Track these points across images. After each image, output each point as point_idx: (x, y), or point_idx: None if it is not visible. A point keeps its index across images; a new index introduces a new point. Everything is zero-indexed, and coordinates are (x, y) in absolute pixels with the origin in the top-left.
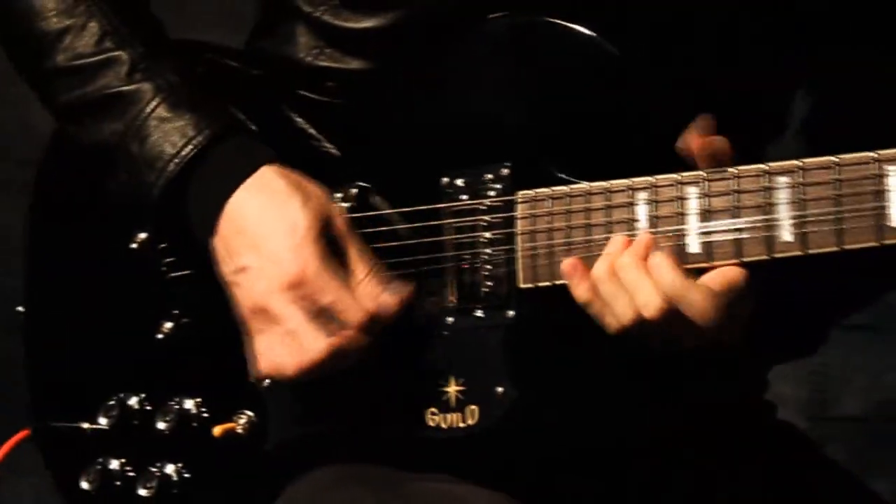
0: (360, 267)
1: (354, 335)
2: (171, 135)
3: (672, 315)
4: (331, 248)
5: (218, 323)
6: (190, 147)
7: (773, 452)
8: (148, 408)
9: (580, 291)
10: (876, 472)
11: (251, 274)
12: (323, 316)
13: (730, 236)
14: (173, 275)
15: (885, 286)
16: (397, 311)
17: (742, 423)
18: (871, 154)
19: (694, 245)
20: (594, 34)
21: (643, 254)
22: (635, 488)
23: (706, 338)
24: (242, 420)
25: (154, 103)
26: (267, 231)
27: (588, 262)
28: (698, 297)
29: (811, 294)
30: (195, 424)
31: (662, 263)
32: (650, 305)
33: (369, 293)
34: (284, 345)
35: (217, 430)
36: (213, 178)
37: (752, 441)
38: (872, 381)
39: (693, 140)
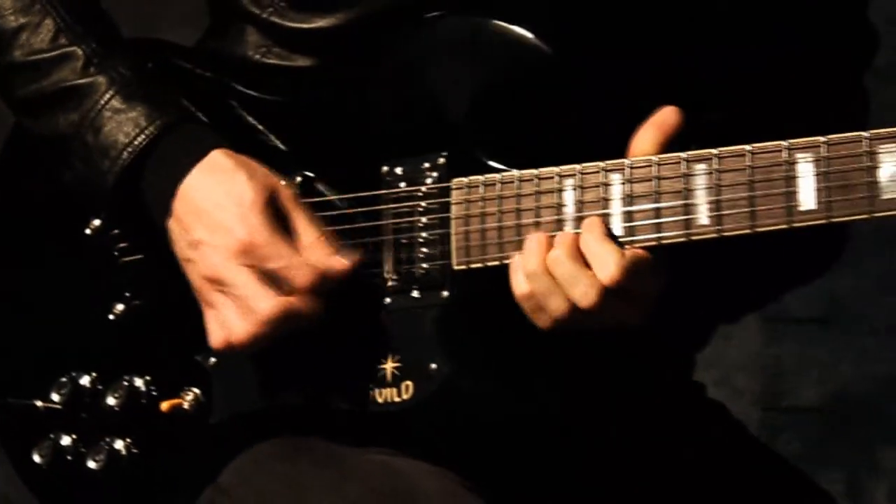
0: (307, 233)
1: (303, 296)
2: (124, 125)
3: (602, 299)
4: (278, 217)
5: (167, 305)
6: (143, 136)
7: (700, 433)
8: (99, 386)
9: (519, 285)
10: (829, 462)
11: (203, 247)
12: (272, 279)
13: (650, 220)
14: (125, 259)
15: (795, 279)
16: (344, 274)
17: (665, 403)
18: (782, 143)
19: (617, 228)
20: (529, 33)
21: (572, 245)
22: (569, 461)
23: (616, 321)
24: (189, 397)
25: (108, 95)
26: (216, 205)
27: (520, 244)
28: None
29: (721, 283)
30: (144, 401)
31: (593, 234)
32: (587, 294)
33: (317, 256)
34: (236, 309)
35: (164, 406)
36: (166, 165)
37: (677, 421)
38: (825, 373)
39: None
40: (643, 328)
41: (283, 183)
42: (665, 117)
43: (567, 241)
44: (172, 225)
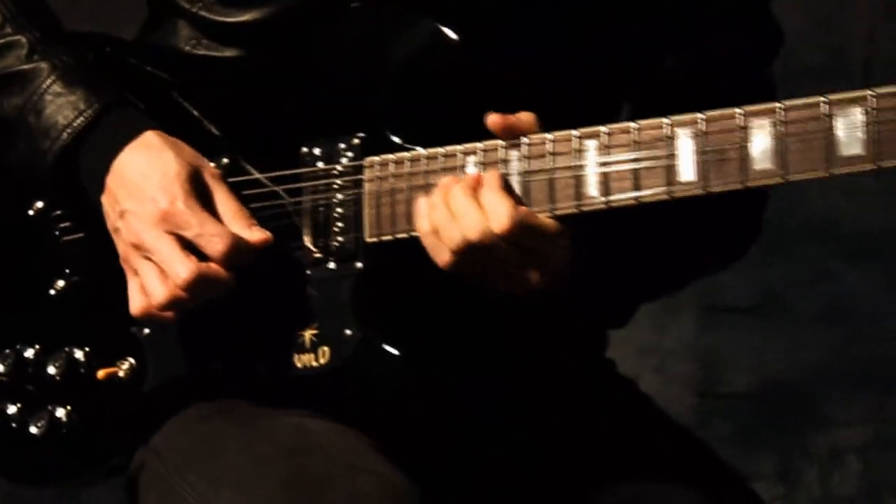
0: (226, 207)
1: (217, 265)
2: (64, 108)
3: (492, 240)
4: (200, 191)
5: (104, 280)
6: (81, 119)
7: (609, 405)
8: (42, 357)
9: (421, 223)
10: (762, 447)
11: (128, 216)
12: (190, 247)
13: (545, 192)
14: (66, 238)
15: (699, 265)
16: (256, 246)
17: (576, 374)
18: (664, 119)
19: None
20: (436, 22)
21: (472, 184)
22: (479, 426)
23: (516, 280)
24: (125, 366)
25: (50, 80)
26: (143, 177)
27: None
28: (514, 212)
29: (626, 267)
30: (83, 371)
31: (489, 185)
32: (473, 229)
33: (234, 228)
34: (157, 274)
35: (101, 374)
36: (102, 145)
37: (587, 393)
38: (758, 361)
39: (491, 121)
40: (554, 298)
41: (209, 163)
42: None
43: (467, 180)
44: (104, 199)
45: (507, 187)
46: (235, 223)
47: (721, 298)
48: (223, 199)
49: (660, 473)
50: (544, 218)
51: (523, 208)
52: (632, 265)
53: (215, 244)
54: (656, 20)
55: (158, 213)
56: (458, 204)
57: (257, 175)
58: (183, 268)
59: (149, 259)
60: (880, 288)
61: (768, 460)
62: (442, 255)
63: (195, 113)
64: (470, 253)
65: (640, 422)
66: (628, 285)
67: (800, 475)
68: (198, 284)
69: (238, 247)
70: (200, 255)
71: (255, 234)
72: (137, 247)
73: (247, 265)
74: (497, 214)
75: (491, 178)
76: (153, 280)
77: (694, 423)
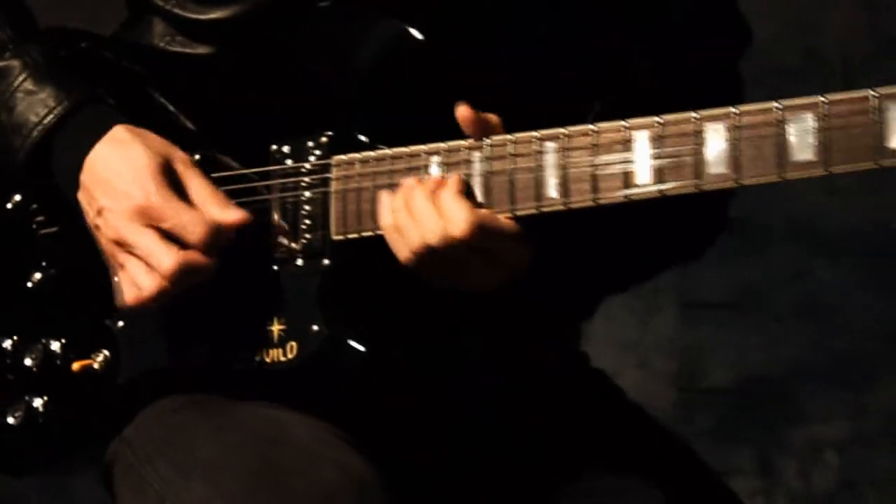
0: (199, 192)
1: (197, 252)
2: (35, 105)
3: (450, 244)
4: (173, 179)
5: (80, 273)
6: (51, 116)
7: (582, 397)
8: (19, 348)
9: (384, 220)
10: (741, 441)
11: (106, 213)
12: (171, 237)
13: (506, 192)
14: (43, 232)
15: (663, 260)
16: (234, 226)
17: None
18: (622, 122)
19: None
20: (401, 22)
21: (432, 188)
22: (446, 421)
23: (474, 280)
24: (99, 358)
25: (21, 78)
26: (115, 173)
27: None
28: (473, 219)
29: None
30: (58, 362)
31: (449, 189)
32: (432, 232)
33: (209, 211)
34: (141, 267)
35: (76, 366)
36: (73, 141)
37: (561, 385)
38: (737, 356)
39: (461, 112)
40: (517, 293)
41: (179, 150)
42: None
43: (428, 183)
44: (81, 196)
45: (466, 191)
46: (210, 206)
47: (701, 295)
48: (196, 184)
49: (631, 465)
50: (503, 220)
51: (482, 211)
52: (595, 260)
53: (193, 232)
54: (625, 20)
55: (134, 207)
56: (418, 207)
57: (228, 173)
58: (167, 258)
59: (132, 254)
60: (857, 285)
61: (747, 455)
62: (403, 253)
63: (171, 108)
64: (429, 254)
65: (612, 413)
66: (592, 279)
67: (778, 470)
68: (183, 272)
69: (215, 231)
70: (180, 242)
71: (231, 215)
72: (119, 243)
73: (228, 246)
74: (455, 219)
75: (451, 182)
76: (140, 273)
77: (674, 417)
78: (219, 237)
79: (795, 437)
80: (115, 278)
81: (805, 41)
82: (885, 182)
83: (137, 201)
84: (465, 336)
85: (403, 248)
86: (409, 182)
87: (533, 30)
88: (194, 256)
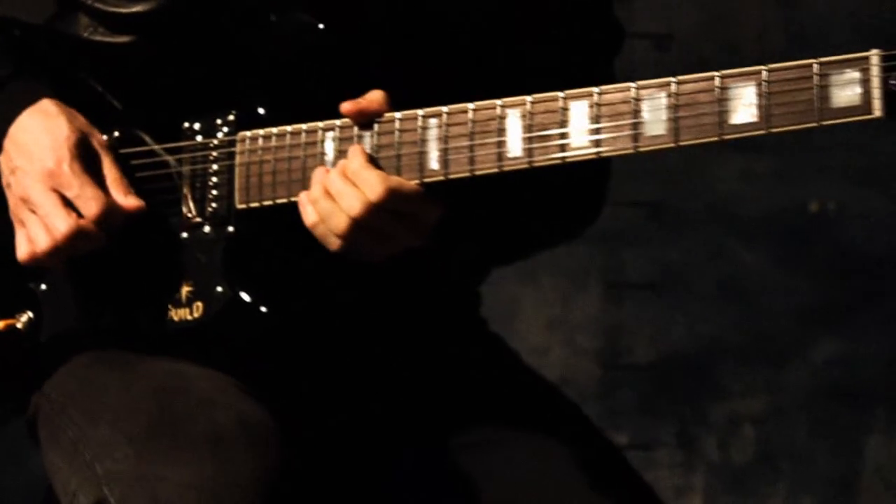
0: (108, 173)
1: (90, 224)
2: None
3: (372, 211)
4: (87, 156)
5: (5, 240)
6: None
7: (477, 357)
8: None
9: (307, 216)
10: (663, 416)
11: (19, 173)
12: (71, 205)
13: (393, 165)
14: None
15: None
16: (128, 212)
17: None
18: (497, 102)
19: None
20: (303, 11)
21: (341, 168)
22: (345, 376)
23: (395, 245)
24: (23, 318)
25: None
26: (35, 140)
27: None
28: (379, 178)
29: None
30: None
31: (356, 162)
32: (354, 206)
33: (111, 193)
34: (40, 226)
35: (0, 325)
36: (2, 113)
37: (457, 345)
38: (659, 335)
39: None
40: (425, 251)
41: (99, 133)
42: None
43: (340, 165)
44: (1, 159)
45: (372, 160)
46: (114, 188)
47: (625, 276)
48: (106, 167)
49: (517, 419)
50: (410, 184)
51: (393, 177)
52: (486, 227)
53: (90, 206)
54: (510, 15)
55: (44, 171)
56: (335, 187)
57: (146, 148)
58: (62, 223)
59: (34, 212)
60: (772, 266)
61: (669, 429)
62: (332, 242)
63: (98, 89)
64: (356, 231)
65: (504, 373)
66: (484, 245)
67: (699, 443)
68: (74, 238)
69: (111, 211)
70: (77, 211)
71: (129, 201)
72: (25, 200)
73: (121, 227)
74: (372, 184)
75: (354, 154)
76: (37, 230)
77: (599, 393)
78: (113, 217)
79: (714, 411)
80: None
81: (724, 35)
82: (800, 168)
83: (48, 166)
84: (363, 297)
85: (333, 238)
86: (318, 172)
87: (423, 22)
88: (87, 227)
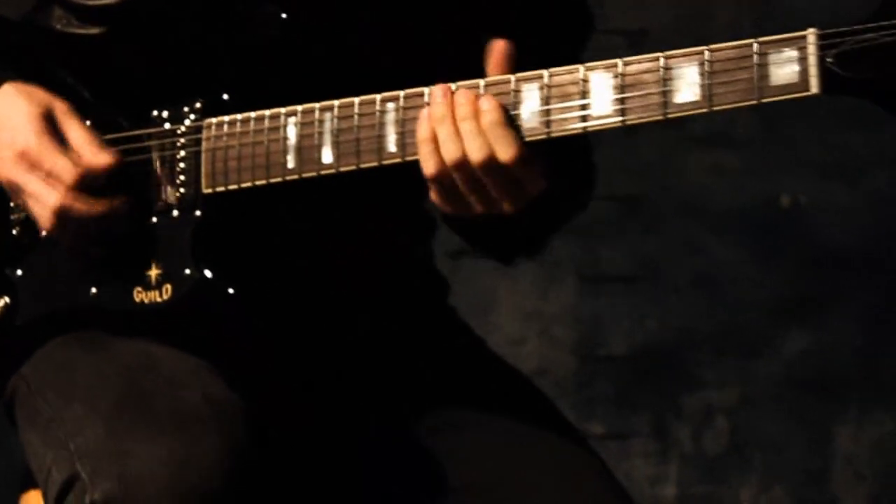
0: (76, 136)
1: (72, 190)
2: None
3: (493, 167)
4: (54, 129)
5: None
6: None
7: (444, 343)
8: None
9: (421, 129)
10: (638, 407)
11: None
12: (50, 178)
13: (353, 149)
14: None
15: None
16: (107, 168)
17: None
18: (451, 85)
19: (327, 156)
20: (270, 4)
21: (474, 112)
22: (306, 353)
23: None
24: (0, 303)
25: None
26: (1, 125)
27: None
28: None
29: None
30: None
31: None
32: (483, 151)
33: (84, 154)
34: (36, 205)
35: None
36: None
37: (426, 331)
38: (634, 326)
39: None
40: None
41: (61, 101)
42: None
43: (467, 106)
44: None
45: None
46: (85, 149)
47: (601, 268)
48: (74, 131)
49: (483, 403)
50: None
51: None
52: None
53: (66, 175)
54: (474, 8)
55: (17, 153)
56: (468, 127)
57: (116, 136)
58: (52, 198)
59: (26, 193)
60: (745, 260)
61: (644, 419)
62: (431, 166)
63: (69, 80)
64: (463, 173)
65: (472, 359)
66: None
67: (673, 433)
68: (70, 210)
69: (86, 173)
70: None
71: (101, 158)
72: (11, 183)
73: (105, 190)
74: (509, 146)
75: (495, 109)
76: (38, 210)
77: (575, 384)
78: (90, 179)
79: (688, 402)
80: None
81: (697, 31)
82: (772, 163)
83: (19, 147)
84: (332, 280)
85: (433, 160)
86: (440, 94)
87: (382, 16)
88: (69, 197)
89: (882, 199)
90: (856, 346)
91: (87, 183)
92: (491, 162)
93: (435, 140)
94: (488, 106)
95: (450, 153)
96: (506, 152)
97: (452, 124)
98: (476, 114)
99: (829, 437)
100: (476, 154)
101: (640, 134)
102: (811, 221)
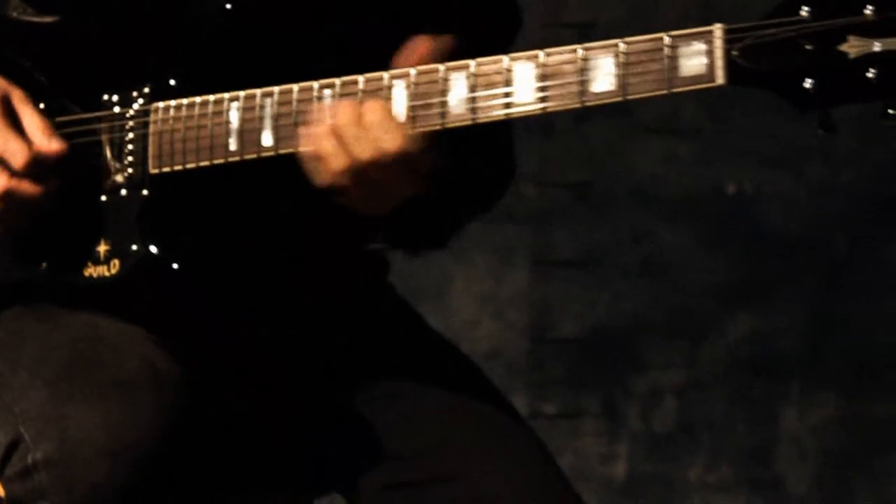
0: (30, 122)
1: (22, 175)
2: None
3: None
4: (9, 113)
5: None
6: None
7: (384, 318)
8: None
9: (323, 143)
10: (589, 388)
11: None
12: (1, 161)
13: (292, 131)
14: None
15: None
16: (56, 154)
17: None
18: (384, 73)
19: (267, 139)
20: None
21: (356, 116)
22: (256, 328)
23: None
24: None
25: None
26: None
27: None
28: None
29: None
30: None
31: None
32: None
33: (35, 139)
34: None
35: None
36: None
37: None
38: (585, 310)
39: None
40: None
41: (17, 89)
42: None
43: (352, 115)
44: None
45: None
46: (37, 135)
47: (552, 253)
48: (27, 117)
49: (418, 374)
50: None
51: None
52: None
53: (17, 158)
54: (408, 3)
55: None
56: (350, 132)
57: (67, 118)
58: (0, 179)
59: None
60: (692, 246)
61: (595, 399)
62: (339, 162)
63: (26, 64)
64: (359, 173)
65: (410, 333)
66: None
67: (622, 413)
68: (12, 195)
69: (37, 159)
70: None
71: (53, 145)
72: None
73: (50, 175)
74: (393, 136)
75: (375, 107)
76: None
77: (528, 365)
78: (41, 165)
79: (637, 383)
80: None
81: (644, 25)
82: (718, 152)
83: None
84: (275, 255)
85: (327, 172)
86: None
87: (323, 6)
88: (18, 181)
89: (824, 188)
90: (799, 329)
91: (36, 167)
92: (382, 157)
93: (324, 156)
94: (369, 107)
95: (340, 162)
96: (392, 144)
97: (335, 135)
98: (358, 119)
99: (774, 417)
100: (365, 154)
101: (591, 122)
102: (756, 209)
